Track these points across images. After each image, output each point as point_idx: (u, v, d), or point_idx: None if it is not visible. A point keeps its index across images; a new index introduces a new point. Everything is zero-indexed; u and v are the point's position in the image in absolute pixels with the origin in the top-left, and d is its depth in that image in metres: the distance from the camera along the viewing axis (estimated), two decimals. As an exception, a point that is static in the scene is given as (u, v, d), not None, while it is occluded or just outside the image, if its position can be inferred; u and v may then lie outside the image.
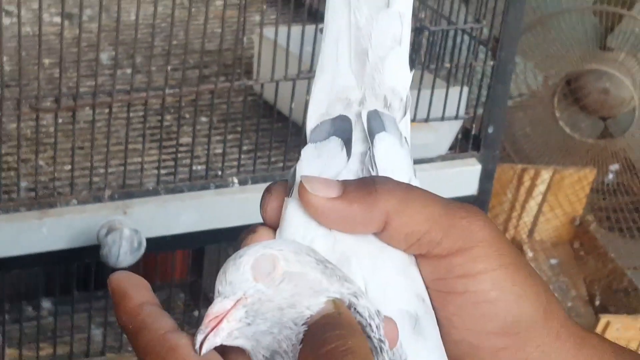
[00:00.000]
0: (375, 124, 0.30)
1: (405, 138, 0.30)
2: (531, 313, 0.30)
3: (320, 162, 0.29)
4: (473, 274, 0.29)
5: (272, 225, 0.29)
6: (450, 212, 0.29)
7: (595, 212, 1.76)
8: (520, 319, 0.30)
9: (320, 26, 0.88)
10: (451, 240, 0.28)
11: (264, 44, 0.88)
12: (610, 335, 1.29)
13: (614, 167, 1.75)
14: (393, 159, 0.30)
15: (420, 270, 0.29)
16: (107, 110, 0.83)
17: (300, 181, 0.27)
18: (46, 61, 0.90)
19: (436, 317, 0.29)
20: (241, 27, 0.90)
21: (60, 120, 0.83)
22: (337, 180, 0.28)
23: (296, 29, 0.88)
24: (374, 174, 0.28)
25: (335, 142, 0.29)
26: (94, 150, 0.83)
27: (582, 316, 1.51)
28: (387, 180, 0.28)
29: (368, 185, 0.28)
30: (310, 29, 0.88)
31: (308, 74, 0.86)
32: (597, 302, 1.55)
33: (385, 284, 0.29)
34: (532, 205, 1.63)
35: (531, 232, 1.67)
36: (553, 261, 1.65)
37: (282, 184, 0.30)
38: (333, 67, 0.30)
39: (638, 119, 1.75)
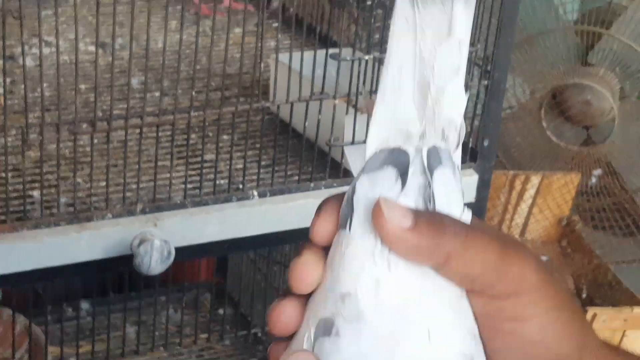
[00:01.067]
0: (433, 159, 0.28)
1: (458, 167, 0.29)
2: (569, 351, 0.30)
3: (375, 192, 0.28)
4: (522, 319, 0.28)
5: (319, 243, 0.28)
6: (506, 258, 0.28)
7: (581, 212, 1.77)
8: (559, 357, 0.31)
9: (330, 51, 0.86)
10: (504, 285, 0.28)
11: (279, 68, 0.89)
12: (596, 326, 1.28)
13: (597, 172, 1.76)
14: (449, 195, 0.28)
15: (471, 304, 0.28)
16: (138, 131, 0.82)
17: (378, 203, 0.26)
18: (82, 87, 0.89)
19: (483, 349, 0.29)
20: (258, 52, 0.89)
21: (95, 141, 0.82)
22: (411, 209, 0.27)
23: (308, 54, 0.88)
24: (431, 208, 0.27)
25: (391, 172, 0.28)
26: (127, 168, 0.82)
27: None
28: (454, 221, 0.27)
29: (437, 223, 0.27)
30: (321, 53, 0.87)
31: (320, 96, 0.86)
32: (584, 295, 1.54)
33: (444, 325, 0.28)
34: (523, 207, 1.64)
35: (522, 232, 1.66)
36: (543, 258, 1.48)
37: (333, 204, 0.28)
38: (395, 98, 0.28)
39: (617, 128, 1.74)
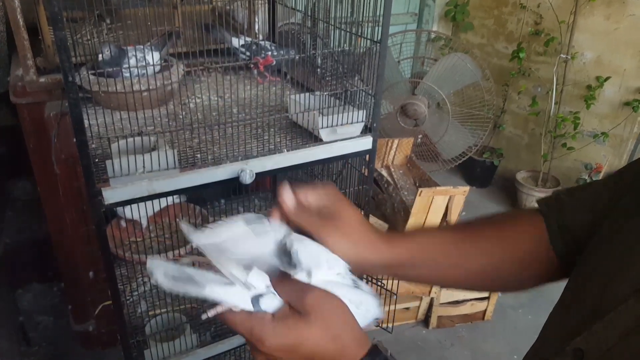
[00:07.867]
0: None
1: None
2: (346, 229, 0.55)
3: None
4: (336, 222, 0.54)
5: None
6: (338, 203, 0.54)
7: (415, 153, 2.71)
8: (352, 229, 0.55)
9: (309, 93, 1.36)
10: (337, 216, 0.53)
11: (291, 100, 1.38)
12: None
13: (420, 137, 2.83)
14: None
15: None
16: (236, 128, 1.28)
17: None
18: (214, 114, 1.35)
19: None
20: (283, 94, 1.36)
21: (221, 132, 1.28)
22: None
23: (303, 95, 1.36)
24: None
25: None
26: (233, 142, 1.23)
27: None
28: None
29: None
30: (306, 94, 1.36)
31: (307, 110, 1.27)
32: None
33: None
34: (391, 153, 2.40)
35: (392, 162, 2.40)
36: (400, 171, 2.30)
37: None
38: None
39: (427, 119, 2.77)
